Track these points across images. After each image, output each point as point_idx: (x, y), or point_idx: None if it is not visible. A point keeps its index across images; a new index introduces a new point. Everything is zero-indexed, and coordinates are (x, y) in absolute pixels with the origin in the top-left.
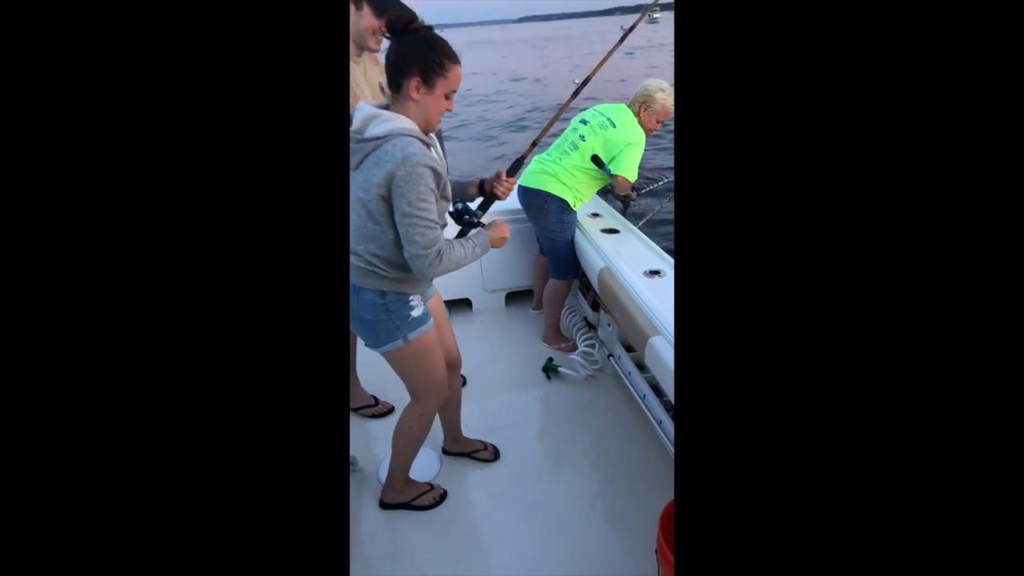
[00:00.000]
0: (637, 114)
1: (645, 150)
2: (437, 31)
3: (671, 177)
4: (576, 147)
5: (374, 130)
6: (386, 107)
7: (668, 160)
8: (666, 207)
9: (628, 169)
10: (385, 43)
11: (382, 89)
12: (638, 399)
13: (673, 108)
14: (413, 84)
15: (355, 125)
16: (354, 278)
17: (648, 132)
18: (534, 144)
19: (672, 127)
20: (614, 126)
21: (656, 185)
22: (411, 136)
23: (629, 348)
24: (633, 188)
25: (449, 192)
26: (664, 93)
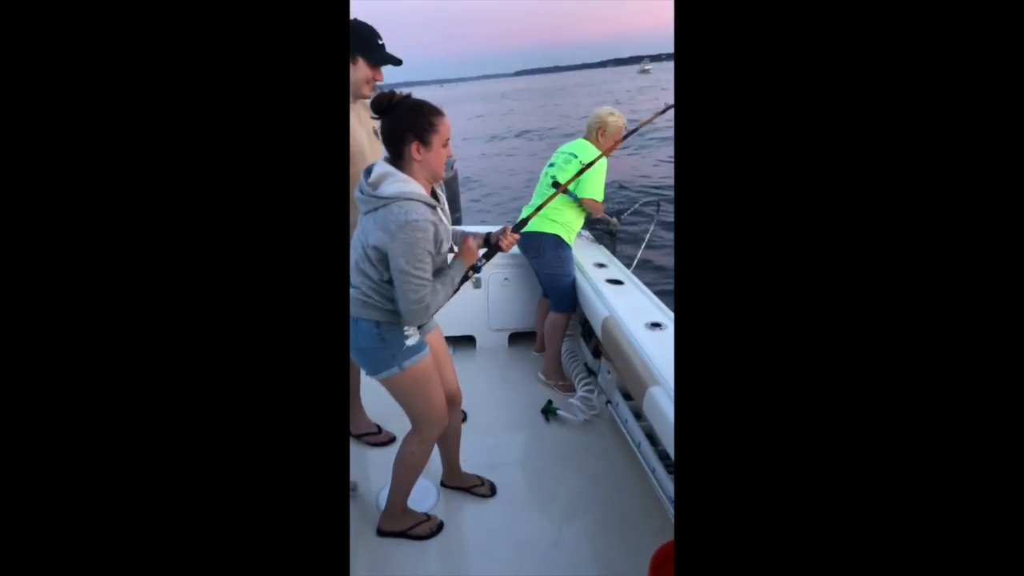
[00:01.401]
0: (596, 140)
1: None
2: (440, 86)
3: (648, 198)
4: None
5: (386, 189)
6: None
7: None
8: (657, 233)
9: (592, 190)
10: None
11: (376, 133)
12: (633, 446)
13: (624, 125)
14: (413, 148)
15: (372, 179)
16: (353, 310)
17: (608, 152)
18: (538, 210)
19: (640, 142)
20: (576, 157)
21: (635, 206)
22: (416, 200)
23: (627, 396)
24: (614, 215)
25: (447, 247)
26: (614, 116)
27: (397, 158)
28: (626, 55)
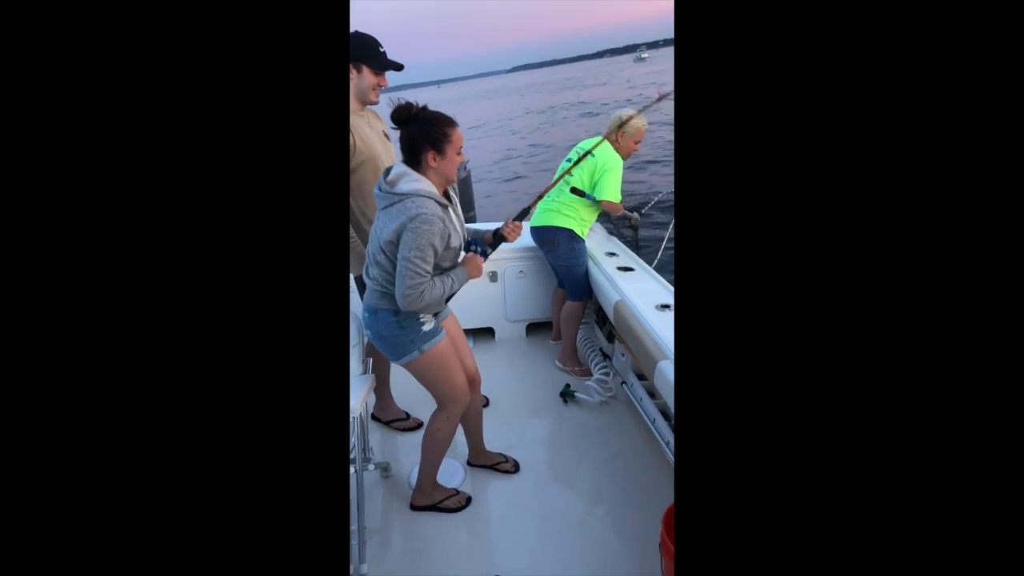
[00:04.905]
0: (615, 141)
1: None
2: (436, 86)
3: (664, 191)
4: (568, 183)
5: (402, 187)
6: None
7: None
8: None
9: (610, 192)
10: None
11: (386, 136)
12: (648, 423)
13: (644, 127)
14: (429, 156)
15: (389, 178)
16: (372, 301)
17: (627, 154)
18: (539, 197)
19: (653, 155)
20: (593, 156)
21: (653, 201)
22: (428, 197)
23: (641, 377)
24: (634, 210)
25: (458, 241)
26: (635, 118)
27: (415, 165)
28: (621, 44)
